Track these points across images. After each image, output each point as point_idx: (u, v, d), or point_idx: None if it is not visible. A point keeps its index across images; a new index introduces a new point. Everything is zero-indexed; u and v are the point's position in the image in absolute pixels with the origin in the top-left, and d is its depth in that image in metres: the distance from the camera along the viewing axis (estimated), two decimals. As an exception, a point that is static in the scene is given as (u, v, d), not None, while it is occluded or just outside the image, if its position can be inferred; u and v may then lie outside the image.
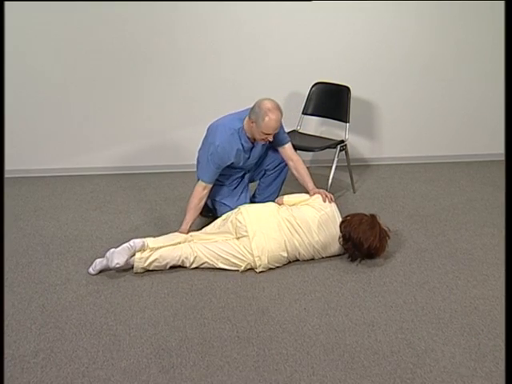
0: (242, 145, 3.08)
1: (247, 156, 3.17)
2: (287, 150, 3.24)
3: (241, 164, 3.16)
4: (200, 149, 3.26)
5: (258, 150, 3.20)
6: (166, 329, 2.38)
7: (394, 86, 4.43)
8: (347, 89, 3.92)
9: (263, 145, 3.17)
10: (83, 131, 4.26)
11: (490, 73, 4.46)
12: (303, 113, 4.06)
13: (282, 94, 4.31)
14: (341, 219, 2.97)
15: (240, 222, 2.87)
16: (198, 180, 3.14)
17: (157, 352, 2.22)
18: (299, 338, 2.32)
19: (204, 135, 3.23)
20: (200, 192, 3.09)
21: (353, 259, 2.95)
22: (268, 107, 2.91)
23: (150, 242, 2.82)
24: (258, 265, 2.81)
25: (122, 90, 4.18)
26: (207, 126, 3.20)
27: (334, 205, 3.05)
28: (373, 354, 2.22)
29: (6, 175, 4.13)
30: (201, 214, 3.53)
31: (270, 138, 3.02)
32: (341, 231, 2.92)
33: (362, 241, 2.83)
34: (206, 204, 3.49)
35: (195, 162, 4.38)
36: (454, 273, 2.87)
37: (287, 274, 2.85)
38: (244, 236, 2.84)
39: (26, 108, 4.13)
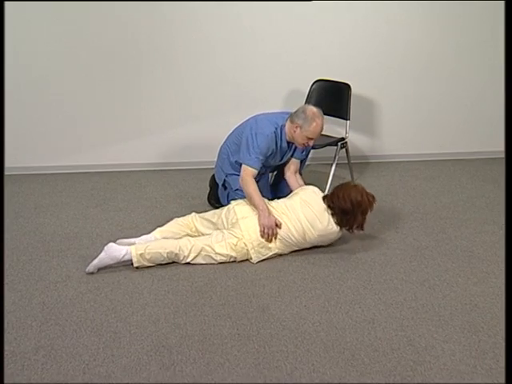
0: (281, 144, 3.14)
1: (280, 157, 3.24)
2: (294, 163, 3.30)
3: (271, 162, 3.20)
4: (231, 141, 3.29)
5: (290, 154, 3.26)
6: (167, 326, 2.38)
7: (394, 84, 4.43)
8: (347, 86, 3.92)
9: (295, 149, 3.23)
10: (83, 129, 4.27)
11: (490, 70, 4.46)
12: (303, 110, 4.05)
13: (283, 91, 4.31)
14: (322, 194, 3.08)
15: (230, 212, 3.01)
16: (241, 166, 3.09)
17: (157, 349, 2.23)
18: (299, 335, 2.32)
19: (234, 128, 3.33)
20: (251, 181, 3.02)
21: (347, 227, 2.99)
22: (314, 113, 3.01)
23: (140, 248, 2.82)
24: (249, 247, 2.86)
25: (122, 88, 4.18)
26: (246, 119, 3.27)
27: (311, 186, 3.16)
28: (373, 351, 2.22)
29: (7, 172, 4.13)
30: (210, 203, 3.59)
31: (311, 143, 3.09)
32: (325, 203, 2.98)
33: (345, 199, 2.91)
34: (215, 193, 3.52)
35: (195, 160, 4.42)
36: (455, 270, 2.87)
37: (287, 271, 2.85)
38: (234, 223, 2.93)
39: (27, 105, 4.14)
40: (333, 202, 2.95)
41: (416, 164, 4.58)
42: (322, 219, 2.94)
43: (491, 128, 4.64)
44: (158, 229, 3.09)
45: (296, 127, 3.03)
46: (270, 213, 2.92)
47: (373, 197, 3.00)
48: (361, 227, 2.99)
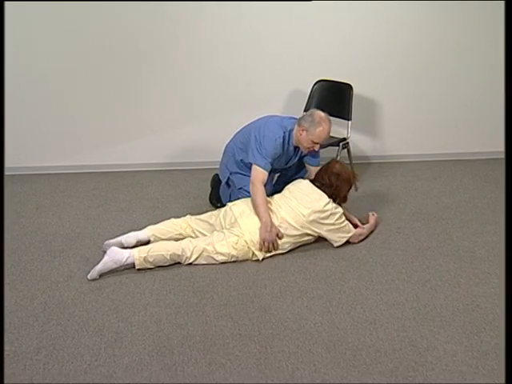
0: (288, 147, 3.14)
1: (285, 161, 3.24)
2: (315, 172, 3.27)
3: (276, 165, 3.19)
4: (238, 139, 3.29)
5: (296, 159, 3.27)
6: (168, 326, 2.38)
7: (396, 84, 4.42)
8: (349, 86, 3.91)
9: (302, 155, 3.23)
10: (85, 129, 4.27)
11: (490, 70, 4.45)
12: (305, 110, 4.03)
13: (284, 91, 4.31)
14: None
15: (228, 213, 3.05)
16: (250, 167, 3.07)
17: (159, 349, 2.23)
18: (301, 335, 2.32)
19: (241, 128, 3.32)
20: (261, 190, 2.99)
21: (337, 201, 3.06)
22: (321, 117, 3.01)
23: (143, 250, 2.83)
24: (251, 245, 2.88)
25: (123, 88, 4.18)
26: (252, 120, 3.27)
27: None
28: (374, 351, 2.22)
29: (8, 172, 4.13)
30: (211, 203, 3.60)
31: (317, 148, 3.10)
32: (314, 185, 3.06)
33: (324, 175, 3.04)
34: (217, 193, 3.52)
35: (197, 160, 4.41)
36: (456, 271, 2.87)
37: (289, 271, 2.85)
38: (233, 223, 2.96)
39: (28, 105, 4.13)
40: (318, 181, 3.05)
41: (417, 164, 4.58)
42: (312, 196, 3.00)
43: (493, 128, 4.63)
44: (150, 226, 3.09)
45: (302, 130, 3.02)
46: (272, 226, 2.92)
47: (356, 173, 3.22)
48: (344, 198, 3.11)
